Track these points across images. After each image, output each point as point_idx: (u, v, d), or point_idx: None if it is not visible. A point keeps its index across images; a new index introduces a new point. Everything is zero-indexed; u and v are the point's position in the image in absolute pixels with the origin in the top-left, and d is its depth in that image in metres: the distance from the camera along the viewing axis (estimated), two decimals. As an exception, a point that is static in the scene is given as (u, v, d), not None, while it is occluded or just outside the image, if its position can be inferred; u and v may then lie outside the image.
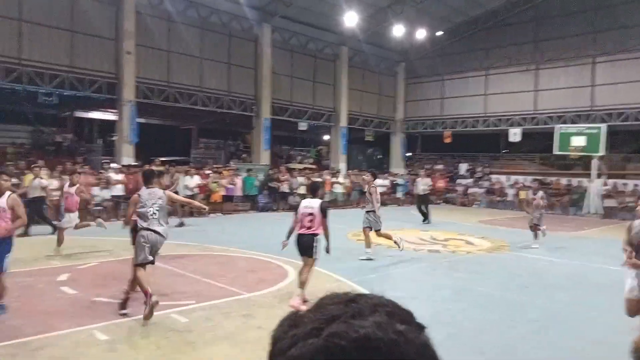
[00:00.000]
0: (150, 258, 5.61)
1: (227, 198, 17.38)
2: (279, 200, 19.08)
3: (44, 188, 12.02)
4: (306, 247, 6.37)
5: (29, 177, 12.97)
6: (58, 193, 13.49)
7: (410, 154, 31.08)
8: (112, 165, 15.88)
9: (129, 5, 17.38)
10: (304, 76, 24.01)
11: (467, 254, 10.59)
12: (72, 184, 9.70)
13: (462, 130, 26.95)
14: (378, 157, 30.64)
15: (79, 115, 24.50)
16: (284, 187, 18.93)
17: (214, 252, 9.88)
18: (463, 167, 27.18)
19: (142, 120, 20.30)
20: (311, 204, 6.44)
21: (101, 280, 7.23)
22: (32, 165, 13.44)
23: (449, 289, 7.44)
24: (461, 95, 26.78)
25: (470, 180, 25.33)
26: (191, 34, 19.63)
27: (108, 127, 23.85)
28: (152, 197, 5.70)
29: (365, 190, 10.60)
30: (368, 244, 9.59)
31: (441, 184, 25.41)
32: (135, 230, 5.88)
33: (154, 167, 13.48)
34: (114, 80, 17.48)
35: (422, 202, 16.37)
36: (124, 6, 17.30)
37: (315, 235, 6.37)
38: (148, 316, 5.26)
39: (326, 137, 29.56)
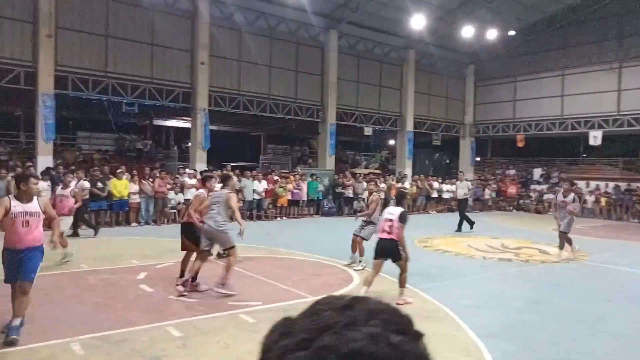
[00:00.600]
0: (205, 246, 6.78)
1: (293, 202, 17.71)
2: (344, 205, 19.15)
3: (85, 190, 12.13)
4: (390, 251, 6.64)
5: (114, 181, 13.99)
6: (137, 196, 14.47)
7: (479, 158, 30.03)
8: (187, 170, 16.72)
9: (204, 18, 18.27)
10: (369, 81, 23.99)
11: (542, 263, 10.06)
12: (65, 186, 9.45)
13: (536, 133, 25.65)
14: (445, 161, 29.89)
15: (157, 124, 26.08)
16: (349, 192, 18.98)
17: (280, 255, 10.10)
18: (537, 172, 25.86)
19: (214, 127, 21.22)
20: (392, 211, 6.73)
21: (176, 279, 7.62)
22: (117, 171, 14.47)
23: (521, 299, 7.11)
24: (535, 97, 25.51)
25: (544, 186, 24.05)
26: (260, 43, 20.27)
27: (183, 134, 25.15)
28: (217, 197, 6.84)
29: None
30: (361, 253, 8.90)
31: (512, 189, 24.36)
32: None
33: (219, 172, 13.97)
34: (189, 89, 18.42)
35: (461, 207, 15.39)
36: (199, 19, 18.20)
37: (396, 240, 6.61)
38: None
39: (392, 142, 29.29)
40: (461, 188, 15.97)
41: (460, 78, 27.75)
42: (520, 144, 25.82)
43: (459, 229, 14.78)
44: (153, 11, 17.59)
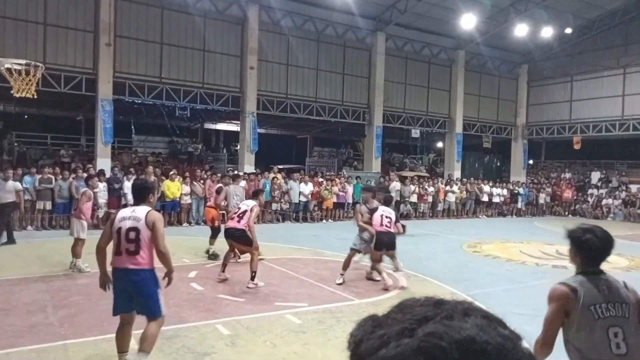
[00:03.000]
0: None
1: (339, 205, 17.73)
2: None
3: None
4: (392, 243, 7.64)
5: (167, 183, 14.53)
6: (188, 197, 14.96)
7: (532, 161, 28.94)
8: (236, 172, 17.10)
9: (253, 23, 18.67)
10: (417, 82, 23.68)
11: (600, 272, 9.55)
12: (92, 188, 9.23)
13: (594, 135, 24.43)
14: (496, 164, 29.01)
15: (207, 127, 26.84)
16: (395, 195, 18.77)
17: (326, 257, 10.14)
18: (595, 176, 24.64)
19: (261, 130, 21.61)
20: (389, 212, 7.78)
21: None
22: (170, 173, 15.02)
23: (577, 309, 6.79)
24: (594, 97, 24.33)
25: (603, 191, 22.87)
26: (307, 47, 20.49)
27: (232, 137, 25.76)
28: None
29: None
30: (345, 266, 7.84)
31: (568, 194, 23.33)
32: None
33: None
34: (238, 94, 18.87)
35: None
36: (248, 25, 18.62)
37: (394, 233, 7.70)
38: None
39: (440, 144, 28.76)
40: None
41: (512, 78, 26.88)
42: (576, 146, 24.68)
43: None
44: (205, 18, 18.17)
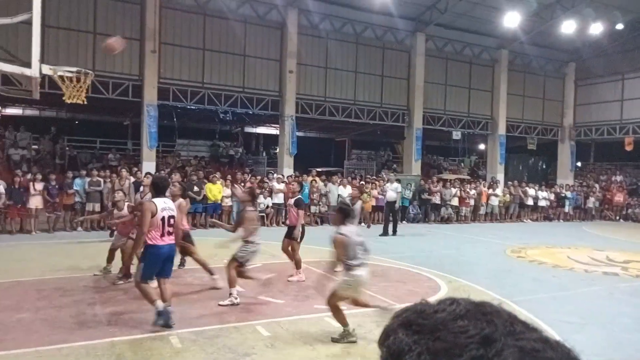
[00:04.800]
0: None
1: (378, 208, 17.58)
2: (430, 212, 18.67)
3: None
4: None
5: (209, 186, 14.85)
6: (229, 200, 15.22)
7: (580, 163, 27.79)
8: (275, 175, 17.29)
9: (292, 27, 18.84)
10: (458, 83, 23.23)
11: (656, 280, 9.07)
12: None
13: (648, 135, 23.23)
14: (542, 167, 28.03)
15: (248, 131, 27.26)
16: (436, 199, 18.47)
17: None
18: (650, 179, 23.40)
19: (300, 133, 21.75)
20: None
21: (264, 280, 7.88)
22: (212, 176, 15.35)
23: (630, 317, 6.46)
24: (647, 96, 23.14)
25: (659, 194, 21.70)
26: (346, 50, 20.48)
27: (271, 141, 26.05)
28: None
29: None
30: (233, 282, 6.62)
31: (619, 197, 22.27)
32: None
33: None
34: (277, 97, 19.08)
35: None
36: (288, 29, 18.81)
37: None
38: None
39: (482, 146, 28.08)
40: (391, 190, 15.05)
41: (558, 77, 25.94)
42: (628, 148, 23.51)
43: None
44: (245, 24, 18.49)
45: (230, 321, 5.76)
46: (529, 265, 10.28)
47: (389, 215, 14.84)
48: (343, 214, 5.31)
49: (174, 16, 17.36)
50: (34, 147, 19.29)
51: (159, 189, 5.68)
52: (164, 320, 5.27)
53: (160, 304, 5.32)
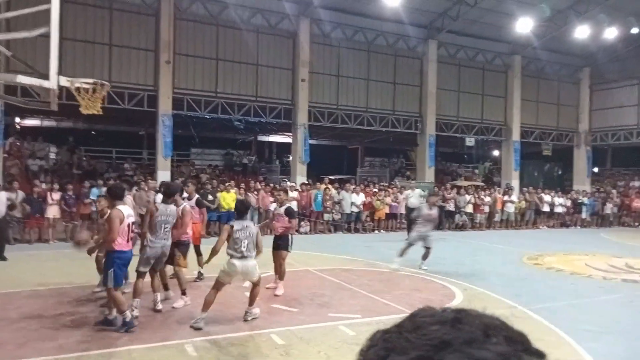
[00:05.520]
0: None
1: (391, 215, 17.53)
2: (444, 219, 18.51)
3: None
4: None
5: (223, 194, 14.93)
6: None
7: (597, 169, 27.39)
8: (288, 183, 17.34)
9: (304, 36, 18.98)
10: (471, 90, 23.14)
11: (677, 287, 8.87)
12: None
13: (667, 140, 22.84)
14: (557, 173, 27.70)
15: (261, 139, 27.44)
16: (450, 206, 18.34)
17: (379, 268, 10.03)
18: (669, 184, 22.97)
19: (313, 141, 21.81)
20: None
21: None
22: (226, 184, 15.45)
23: (651, 327, 6.33)
24: (665, 100, 22.79)
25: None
26: (358, 58, 20.55)
27: (284, 149, 26.17)
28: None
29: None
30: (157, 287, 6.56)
31: (638, 203, 21.90)
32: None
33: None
34: (290, 106, 19.19)
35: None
36: (300, 38, 18.95)
37: None
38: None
39: (496, 153, 27.86)
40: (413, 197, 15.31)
41: (573, 82, 25.69)
42: (647, 153, 23.17)
43: None
44: (258, 34, 18.67)
45: (244, 329, 5.78)
46: (545, 272, 10.14)
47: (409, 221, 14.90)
48: (240, 209, 6.39)
49: (188, 27, 17.61)
50: (51, 157, 19.63)
51: (117, 196, 5.84)
52: (126, 329, 5.50)
53: (128, 314, 5.55)
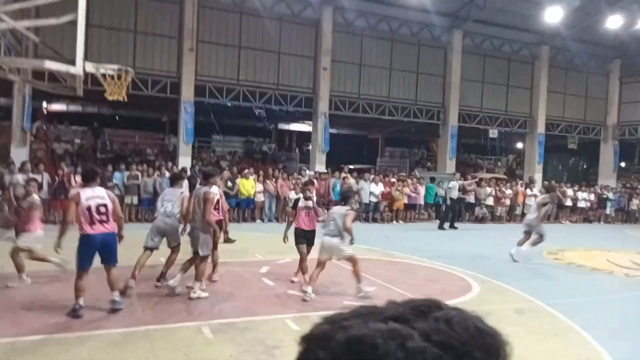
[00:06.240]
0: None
1: (410, 206, 17.43)
2: (464, 211, 18.34)
3: None
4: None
5: (242, 181, 15.07)
6: (262, 195, 15.40)
7: (624, 164, 26.69)
8: (307, 172, 17.39)
9: (327, 25, 18.87)
10: (496, 81, 22.71)
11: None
12: (27, 195, 7.02)
13: (699, 135, 22.09)
14: (583, 167, 27.10)
15: (281, 127, 27.52)
16: (470, 198, 18.13)
17: (396, 258, 10.02)
18: (700, 181, 22.25)
19: (333, 130, 21.77)
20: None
21: (294, 275, 7.97)
22: (245, 171, 15.57)
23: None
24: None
25: None
26: (381, 47, 20.35)
27: (304, 138, 26.21)
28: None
29: None
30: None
31: (667, 200, 21.29)
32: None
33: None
34: (311, 95, 19.16)
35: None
36: (323, 26, 18.84)
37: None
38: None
39: (520, 145, 27.37)
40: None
41: (602, 74, 24.98)
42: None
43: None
44: (280, 21, 18.64)
45: (260, 314, 5.86)
46: (566, 267, 9.99)
47: (455, 210, 16.28)
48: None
49: (212, 15, 17.67)
50: (76, 141, 20.07)
51: (86, 178, 5.84)
52: (73, 316, 5.31)
53: (81, 302, 5.37)
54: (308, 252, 7.18)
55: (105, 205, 5.56)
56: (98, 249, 5.53)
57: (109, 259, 5.65)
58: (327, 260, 6.67)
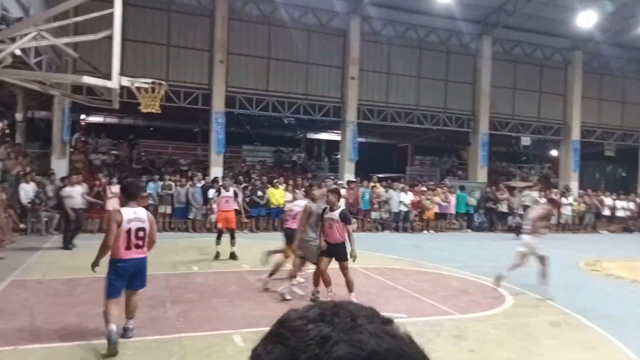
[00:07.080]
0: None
1: (441, 215, 17.22)
2: (496, 221, 18.00)
3: None
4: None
5: (272, 190, 15.22)
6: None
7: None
8: (337, 181, 17.42)
9: (355, 34, 18.96)
10: (527, 87, 22.27)
11: None
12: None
13: None
14: (621, 174, 26.18)
15: (310, 137, 27.68)
16: (503, 207, 17.79)
17: (426, 268, 9.91)
18: None
19: (362, 139, 21.76)
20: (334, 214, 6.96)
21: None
22: (274, 181, 15.74)
23: None
24: None
25: None
26: (409, 55, 20.29)
27: (333, 147, 26.28)
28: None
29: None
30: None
31: None
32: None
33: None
34: (339, 104, 19.24)
35: None
36: (351, 36, 18.94)
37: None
38: None
39: (554, 153, 26.68)
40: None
41: (639, 78, 24.14)
42: None
43: None
44: (308, 32, 18.84)
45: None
46: (604, 279, 9.67)
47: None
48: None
49: (241, 27, 18.02)
50: (113, 152, 20.71)
51: (128, 195, 5.22)
52: (111, 341, 4.74)
53: (113, 327, 4.79)
54: (343, 267, 6.85)
55: (144, 229, 5.10)
56: (130, 274, 5.11)
57: (139, 284, 5.24)
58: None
